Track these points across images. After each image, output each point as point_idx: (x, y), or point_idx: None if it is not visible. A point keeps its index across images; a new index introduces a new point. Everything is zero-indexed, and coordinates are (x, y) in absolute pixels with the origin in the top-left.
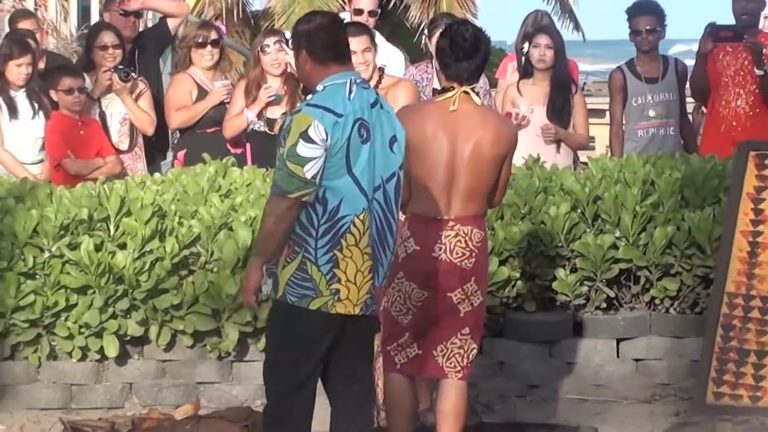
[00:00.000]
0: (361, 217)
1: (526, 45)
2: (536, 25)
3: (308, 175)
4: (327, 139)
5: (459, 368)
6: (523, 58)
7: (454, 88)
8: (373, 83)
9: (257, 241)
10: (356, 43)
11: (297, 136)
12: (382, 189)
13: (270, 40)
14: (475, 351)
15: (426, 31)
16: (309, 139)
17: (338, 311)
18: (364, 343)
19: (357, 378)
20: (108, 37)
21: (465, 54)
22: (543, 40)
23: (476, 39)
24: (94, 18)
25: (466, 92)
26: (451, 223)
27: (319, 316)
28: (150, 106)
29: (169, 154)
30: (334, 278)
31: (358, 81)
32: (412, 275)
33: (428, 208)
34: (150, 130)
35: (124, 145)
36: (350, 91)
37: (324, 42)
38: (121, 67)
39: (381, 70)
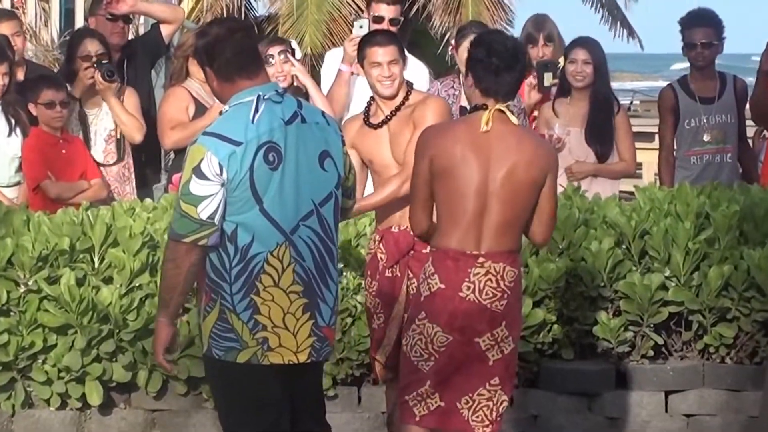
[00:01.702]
0: (275, 253)
1: (561, 60)
2: (538, 26)
3: (203, 216)
4: (222, 174)
5: (487, 422)
6: (547, 74)
7: (487, 106)
8: (398, 100)
9: (159, 291)
10: (382, 54)
11: (190, 172)
12: (316, 215)
13: (274, 50)
14: (505, 404)
15: (453, 42)
16: (202, 175)
17: (273, 362)
18: (317, 395)
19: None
20: (92, 46)
21: (505, 66)
22: (580, 54)
23: (515, 50)
24: (79, 22)
25: (500, 110)
26: (481, 259)
27: (250, 369)
28: (137, 110)
29: (163, 177)
30: (258, 326)
31: (268, 96)
32: (435, 316)
33: (455, 241)
34: (138, 137)
35: (110, 161)
36: (256, 111)
37: (225, 55)
38: (104, 62)
39: (409, 85)
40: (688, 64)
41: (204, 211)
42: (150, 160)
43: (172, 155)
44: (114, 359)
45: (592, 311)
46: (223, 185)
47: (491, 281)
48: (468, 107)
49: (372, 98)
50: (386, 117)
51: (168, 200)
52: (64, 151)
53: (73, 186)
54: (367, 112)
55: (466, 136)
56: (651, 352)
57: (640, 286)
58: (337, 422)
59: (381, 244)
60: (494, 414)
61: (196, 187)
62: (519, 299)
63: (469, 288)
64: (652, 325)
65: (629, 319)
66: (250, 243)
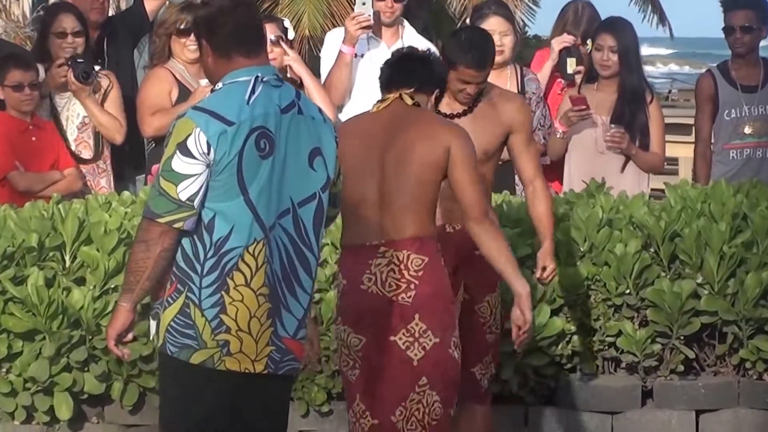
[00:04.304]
0: (252, 249)
1: (588, 43)
2: (577, 21)
3: (182, 196)
4: (209, 153)
5: (419, 429)
6: (570, 60)
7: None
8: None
9: (125, 273)
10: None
11: (174, 147)
12: (292, 215)
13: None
14: (438, 407)
15: (468, 22)
16: (187, 152)
17: (229, 368)
18: (274, 414)
19: None
20: (68, 22)
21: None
22: (607, 40)
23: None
24: None
25: (400, 97)
26: (382, 249)
27: (203, 372)
28: (119, 108)
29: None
30: (221, 326)
31: (266, 78)
32: (344, 316)
33: (356, 234)
34: (119, 138)
35: (85, 156)
36: (252, 92)
37: (226, 29)
38: (80, 60)
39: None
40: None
41: (184, 191)
42: (129, 149)
43: (153, 144)
44: (86, 369)
45: (616, 321)
46: (208, 166)
47: (393, 272)
48: None
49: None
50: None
51: (147, 193)
52: (34, 138)
53: (44, 177)
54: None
55: (362, 127)
56: (681, 367)
57: (669, 293)
58: None
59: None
60: (427, 419)
61: (179, 164)
62: (435, 287)
63: (370, 279)
64: (682, 337)
65: (657, 330)
66: (228, 235)
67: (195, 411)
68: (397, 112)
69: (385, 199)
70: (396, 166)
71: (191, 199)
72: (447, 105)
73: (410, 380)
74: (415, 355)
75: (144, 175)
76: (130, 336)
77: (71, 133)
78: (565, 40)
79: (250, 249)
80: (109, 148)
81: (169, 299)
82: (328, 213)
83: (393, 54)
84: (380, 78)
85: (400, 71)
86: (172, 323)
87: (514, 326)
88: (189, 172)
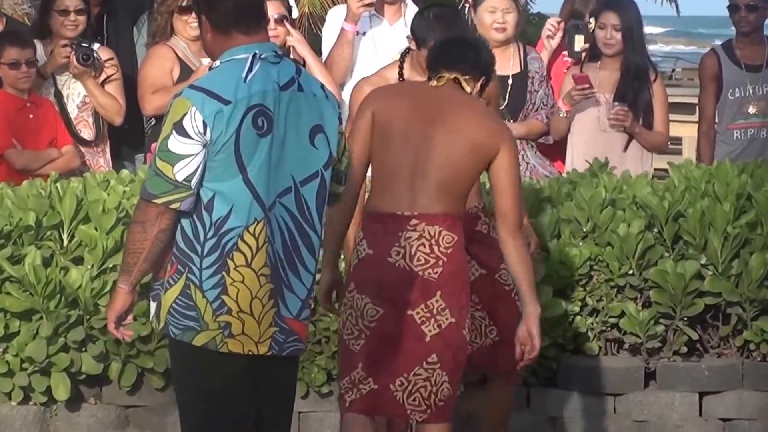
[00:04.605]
0: (252, 230)
1: (591, 21)
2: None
3: (179, 177)
4: (206, 133)
5: (424, 407)
6: (578, 37)
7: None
8: None
9: (123, 255)
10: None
11: (170, 127)
12: (294, 193)
13: (271, 13)
14: (447, 389)
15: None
16: (183, 132)
17: (231, 350)
18: (280, 395)
19: None
20: None
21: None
22: (611, 18)
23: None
24: None
25: (456, 79)
26: (414, 221)
27: (207, 355)
28: (119, 90)
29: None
30: (223, 307)
31: (265, 56)
32: (363, 286)
33: (387, 202)
34: (118, 120)
35: (85, 136)
36: (249, 70)
37: (226, 6)
38: (84, 44)
39: None
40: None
41: (181, 171)
42: (129, 127)
43: (153, 122)
44: (83, 349)
45: (619, 302)
46: (204, 146)
47: (424, 246)
48: None
49: None
50: None
51: (146, 173)
52: (31, 116)
53: (42, 155)
54: None
55: (412, 94)
56: (684, 349)
57: (672, 274)
58: (333, 422)
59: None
60: (433, 398)
61: (175, 144)
62: (460, 268)
63: (398, 253)
64: (685, 319)
65: (660, 311)
66: (227, 215)
67: (206, 392)
68: (451, 93)
69: (422, 172)
70: (442, 142)
71: (188, 179)
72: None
73: (419, 355)
74: (429, 331)
75: (143, 154)
76: (129, 318)
77: (72, 111)
78: (549, 28)
79: (250, 229)
80: (106, 126)
81: (170, 281)
82: (333, 190)
83: (444, 36)
84: (428, 58)
85: (451, 54)
86: (173, 305)
87: (519, 346)
88: (185, 152)
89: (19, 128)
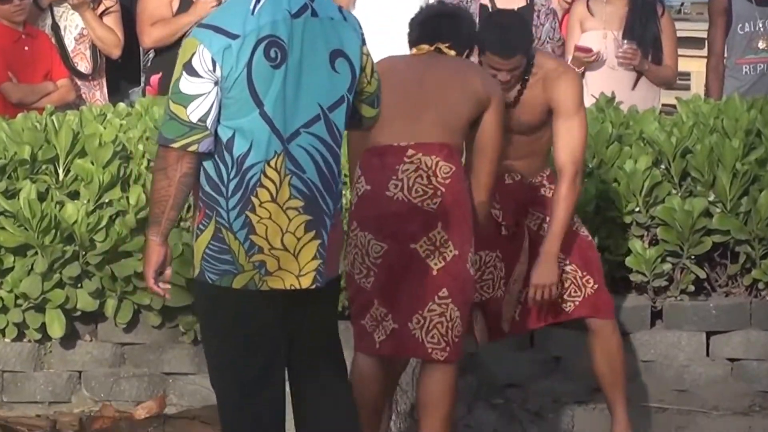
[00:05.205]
0: (273, 163)
1: None
2: None
3: (193, 118)
4: (215, 70)
5: (443, 344)
6: None
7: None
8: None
9: (149, 206)
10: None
11: (180, 69)
12: (324, 120)
13: None
14: (459, 324)
15: None
16: (193, 72)
17: (272, 287)
18: (329, 326)
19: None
20: None
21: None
22: None
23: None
24: None
25: (436, 49)
26: (410, 152)
27: (248, 296)
28: (117, 22)
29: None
30: (254, 247)
31: None
32: (364, 223)
33: (386, 136)
34: (116, 53)
35: (82, 69)
36: (257, 1)
37: None
38: None
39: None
40: None
41: (194, 112)
42: (126, 60)
43: (152, 54)
44: (79, 285)
45: (625, 240)
46: (216, 83)
47: (421, 178)
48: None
49: None
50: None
51: (144, 105)
52: (26, 48)
53: (37, 88)
54: None
55: (406, 58)
56: (692, 288)
57: (680, 211)
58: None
59: (494, 200)
60: (450, 334)
61: (187, 85)
62: (462, 199)
63: (396, 186)
64: (693, 257)
65: (668, 249)
66: (247, 151)
67: (245, 336)
68: (436, 56)
69: (418, 108)
70: (438, 83)
71: (203, 119)
72: None
73: (429, 289)
74: (435, 264)
75: (140, 87)
76: (168, 271)
77: (69, 43)
78: None
79: (271, 163)
80: (104, 59)
81: (200, 227)
82: (365, 114)
83: (421, 10)
84: (409, 36)
85: (429, 29)
86: (207, 250)
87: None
88: (197, 92)
89: (14, 61)
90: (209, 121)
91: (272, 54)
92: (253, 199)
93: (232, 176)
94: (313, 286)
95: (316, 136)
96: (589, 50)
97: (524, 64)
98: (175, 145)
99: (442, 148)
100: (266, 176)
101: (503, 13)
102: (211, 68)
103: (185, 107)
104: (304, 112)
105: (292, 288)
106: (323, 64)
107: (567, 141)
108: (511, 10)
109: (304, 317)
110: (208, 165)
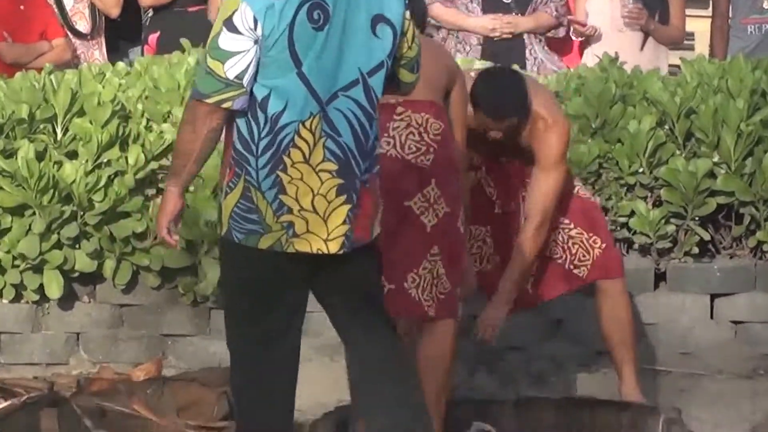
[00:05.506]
0: (308, 124)
1: None
2: None
3: (230, 75)
4: (256, 28)
5: (430, 302)
6: None
7: None
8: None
9: (172, 157)
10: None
11: (220, 24)
12: (363, 85)
13: None
14: (446, 281)
15: None
16: (233, 28)
17: (299, 249)
18: (371, 288)
19: (375, 335)
20: None
21: None
22: None
23: None
24: None
25: None
26: (400, 109)
27: (273, 257)
28: None
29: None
30: (283, 207)
31: None
32: None
33: None
34: (115, 12)
35: (81, 28)
36: None
37: None
38: None
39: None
40: None
41: (232, 69)
42: (124, 19)
43: (150, 13)
44: (77, 246)
45: (629, 201)
46: (256, 42)
47: (413, 134)
48: None
49: None
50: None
51: (143, 64)
52: (21, 7)
53: (33, 48)
54: None
55: None
56: (696, 249)
57: (684, 172)
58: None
59: (489, 180)
60: (435, 291)
61: (226, 41)
62: (451, 156)
63: (388, 143)
64: (697, 218)
65: (671, 210)
66: (282, 111)
67: (266, 294)
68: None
69: None
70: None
71: (240, 77)
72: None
73: (423, 247)
74: (429, 221)
75: (139, 47)
76: (179, 225)
77: (67, 4)
78: None
79: (306, 123)
80: (102, 18)
81: (230, 185)
82: (404, 79)
83: None
84: None
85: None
86: (235, 209)
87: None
88: (236, 48)
89: (9, 20)
90: (246, 79)
91: (315, 16)
92: (285, 159)
93: (263, 135)
94: (341, 252)
95: (353, 99)
96: (582, 24)
97: (516, 123)
98: (210, 100)
99: (431, 106)
100: (300, 137)
101: (499, 73)
102: (252, 26)
103: (223, 63)
104: (343, 75)
105: (319, 252)
106: (365, 28)
107: (542, 191)
108: (507, 68)
109: (334, 280)
110: (240, 123)
